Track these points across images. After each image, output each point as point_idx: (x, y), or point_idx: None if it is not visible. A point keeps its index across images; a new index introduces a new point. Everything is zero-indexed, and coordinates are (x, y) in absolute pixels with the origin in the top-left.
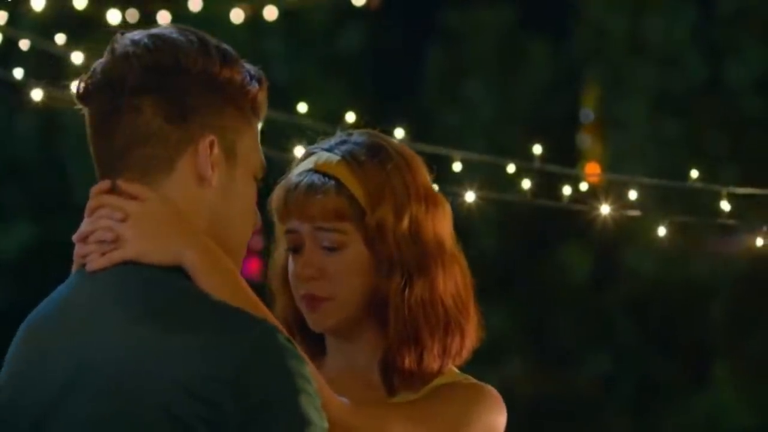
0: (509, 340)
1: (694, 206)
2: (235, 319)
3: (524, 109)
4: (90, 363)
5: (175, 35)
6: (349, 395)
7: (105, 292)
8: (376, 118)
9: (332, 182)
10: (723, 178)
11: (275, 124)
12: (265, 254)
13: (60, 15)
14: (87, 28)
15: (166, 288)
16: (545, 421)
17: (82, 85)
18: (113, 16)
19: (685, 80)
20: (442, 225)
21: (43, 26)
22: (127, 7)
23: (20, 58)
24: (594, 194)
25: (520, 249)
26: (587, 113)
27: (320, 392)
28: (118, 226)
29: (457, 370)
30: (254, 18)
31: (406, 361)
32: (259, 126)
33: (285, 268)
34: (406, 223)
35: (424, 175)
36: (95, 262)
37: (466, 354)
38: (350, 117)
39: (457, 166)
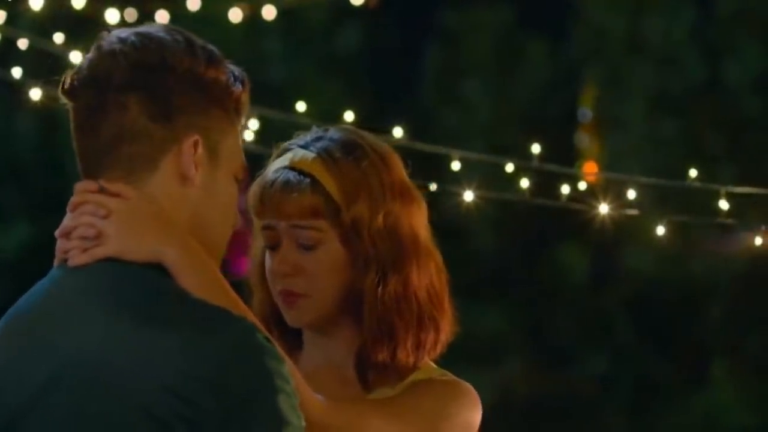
0: (507, 340)
1: (693, 206)
2: (216, 317)
3: (523, 109)
4: (70, 360)
5: (161, 34)
6: (325, 391)
7: (86, 288)
8: (375, 118)
9: (307, 180)
10: (721, 178)
11: (273, 123)
12: None
13: (58, 14)
14: (85, 28)
15: (146, 286)
16: (543, 420)
17: (68, 80)
18: (112, 16)
19: (683, 80)
20: (418, 220)
21: (42, 25)
22: (126, 7)
23: (19, 58)
24: (592, 193)
25: (519, 248)
26: (585, 112)
27: (298, 391)
28: (101, 223)
29: (434, 365)
30: (252, 17)
31: (380, 356)
32: (240, 127)
33: (262, 264)
34: (381, 219)
35: (400, 170)
36: (77, 258)
37: (440, 348)
38: (348, 116)
39: (455, 166)
